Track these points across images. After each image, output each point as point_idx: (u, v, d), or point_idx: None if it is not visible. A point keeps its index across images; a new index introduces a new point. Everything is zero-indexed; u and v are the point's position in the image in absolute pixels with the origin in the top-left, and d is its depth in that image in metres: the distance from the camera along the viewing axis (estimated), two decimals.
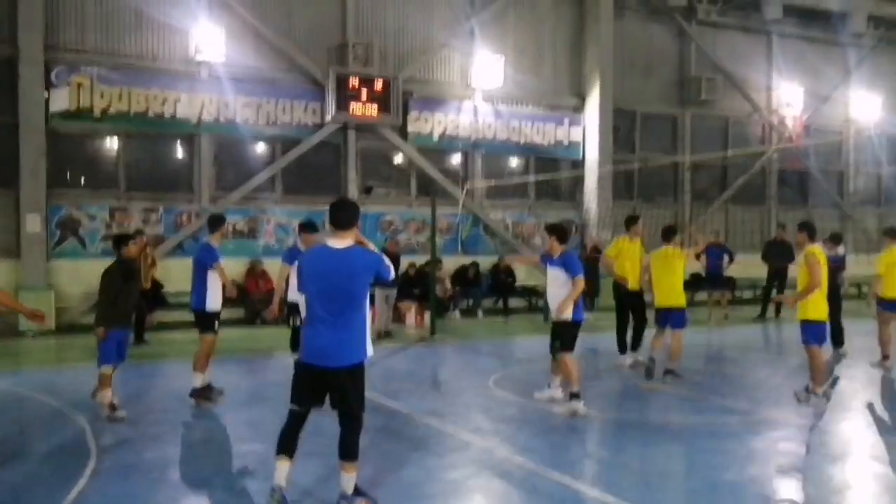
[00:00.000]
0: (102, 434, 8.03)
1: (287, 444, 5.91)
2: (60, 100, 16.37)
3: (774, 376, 11.90)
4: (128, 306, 8.99)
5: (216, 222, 10.06)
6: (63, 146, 16.82)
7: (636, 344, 12.30)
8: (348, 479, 5.93)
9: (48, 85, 16.21)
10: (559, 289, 9.50)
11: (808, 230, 9.94)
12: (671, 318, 11.21)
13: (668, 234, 11.59)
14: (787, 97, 24.77)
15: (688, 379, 11.08)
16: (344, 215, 5.90)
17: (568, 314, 9.26)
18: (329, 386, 5.87)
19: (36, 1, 15.85)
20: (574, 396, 9.13)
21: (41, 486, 6.50)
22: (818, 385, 9.68)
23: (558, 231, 9.80)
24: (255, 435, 8.06)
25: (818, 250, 9.77)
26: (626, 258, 12.17)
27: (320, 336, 5.78)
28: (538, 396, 9.82)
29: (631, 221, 12.59)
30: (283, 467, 5.86)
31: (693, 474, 7.01)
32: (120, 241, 9.37)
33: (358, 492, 5.96)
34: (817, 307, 9.64)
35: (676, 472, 7.14)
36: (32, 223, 15.95)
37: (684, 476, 6.95)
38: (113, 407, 8.64)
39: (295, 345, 10.45)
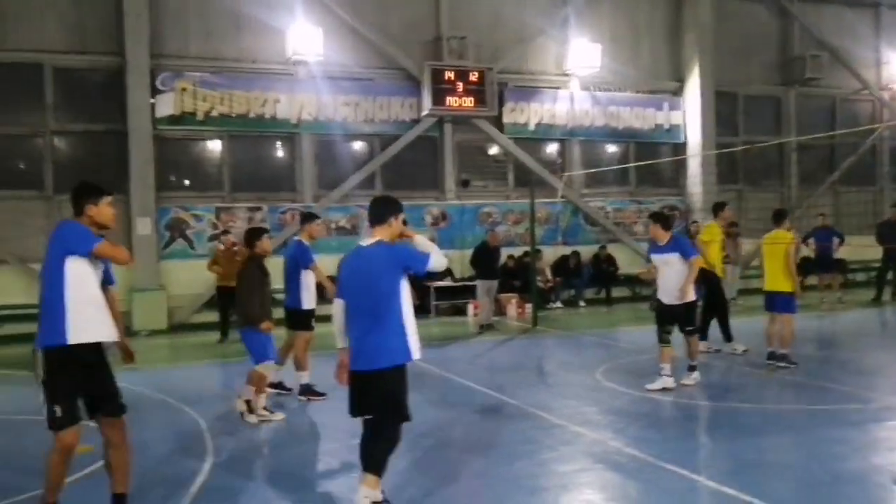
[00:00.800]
0: (218, 431, 8.20)
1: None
2: (166, 106, 16.93)
3: (894, 362, 11.40)
4: (267, 302, 8.60)
5: (306, 219, 9.99)
6: (169, 150, 17.40)
7: (706, 331, 12.07)
8: (366, 496, 5.39)
9: (154, 92, 16.76)
10: (675, 273, 9.64)
11: None
12: (777, 302, 10.89)
13: (779, 218, 11.26)
14: None
15: (802, 365, 10.72)
16: (374, 211, 5.74)
17: (691, 295, 9.65)
18: (370, 390, 5.49)
19: (142, 12, 16.41)
20: (692, 368, 9.90)
21: (164, 480, 6.67)
22: None
23: (662, 218, 9.95)
24: None
25: None
26: (717, 244, 11.94)
27: (356, 340, 5.51)
28: (650, 388, 9.65)
29: (719, 207, 12.49)
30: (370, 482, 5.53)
31: (813, 464, 6.72)
32: (254, 235, 8.86)
33: None
34: None
35: (796, 461, 6.86)
36: (143, 226, 16.52)
37: (804, 466, 6.67)
38: (266, 409, 8.52)
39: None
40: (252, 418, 8.39)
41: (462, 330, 16.00)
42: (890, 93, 23.94)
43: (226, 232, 16.14)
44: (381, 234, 5.64)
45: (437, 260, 5.58)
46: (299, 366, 9.63)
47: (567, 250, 19.96)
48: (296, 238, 10.00)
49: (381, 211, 5.71)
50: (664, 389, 9.54)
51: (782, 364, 10.71)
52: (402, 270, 5.52)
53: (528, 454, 7.14)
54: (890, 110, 23.93)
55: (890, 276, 18.60)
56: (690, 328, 9.91)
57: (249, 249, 8.72)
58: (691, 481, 6.25)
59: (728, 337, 12.08)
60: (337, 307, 5.71)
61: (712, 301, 12.16)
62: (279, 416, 8.52)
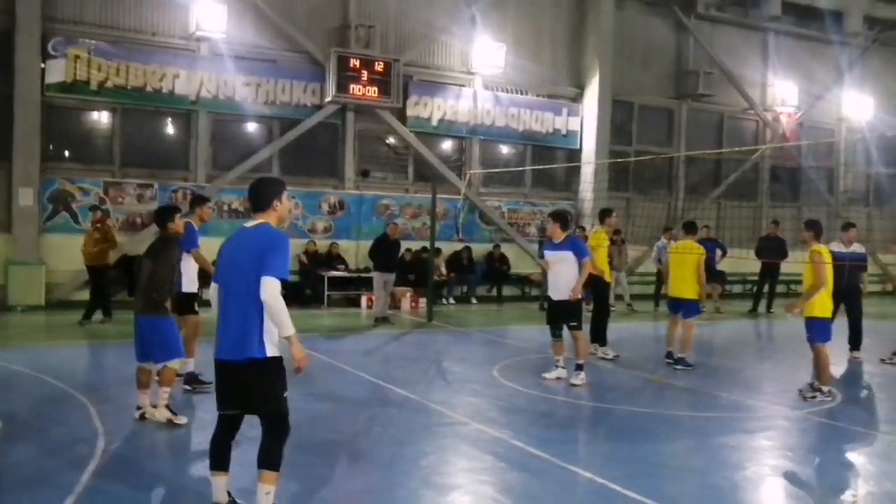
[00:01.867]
0: (106, 414, 7.88)
1: (218, 458, 5.22)
2: (56, 72, 16.17)
3: (774, 371, 12.00)
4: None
5: (197, 202, 9.54)
6: (58, 119, 16.66)
7: (604, 338, 12.39)
8: (265, 493, 5.02)
9: (45, 56, 15.98)
10: (565, 271, 10.11)
11: (815, 229, 10.02)
12: (684, 307, 11.51)
13: (691, 228, 12.03)
14: (782, 94, 24.90)
15: (689, 373, 11.15)
16: (254, 196, 5.24)
17: (579, 294, 10.16)
18: (238, 384, 5.06)
19: None
20: (580, 368, 10.18)
21: (56, 465, 6.40)
22: (824, 382, 9.72)
23: (562, 218, 10.46)
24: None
25: (823, 249, 9.78)
26: (603, 249, 12.29)
27: (222, 325, 5.07)
28: (546, 376, 10.39)
29: (606, 214, 12.73)
30: (218, 483, 5.22)
31: (713, 469, 6.94)
32: (167, 213, 8.12)
33: None
34: (823, 305, 9.67)
35: (696, 466, 7.05)
36: (25, 197, 15.77)
37: (705, 471, 6.89)
38: (174, 413, 7.69)
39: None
40: (159, 414, 7.62)
41: (355, 322, 15.89)
42: (773, 114, 25.04)
43: (95, 207, 15.51)
44: (265, 218, 5.18)
45: (276, 301, 4.85)
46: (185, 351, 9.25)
47: (460, 246, 20.06)
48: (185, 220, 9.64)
49: (262, 194, 5.22)
50: (558, 379, 10.27)
51: (679, 366, 11.31)
52: (265, 259, 4.91)
53: (434, 451, 7.15)
54: (772, 130, 25.03)
55: (766, 289, 19.43)
56: (574, 324, 10.20)
57: (161, 229, 8.07)
58: (596, 484, 6.34)
59: (603, 341, 12.40)
60: (213, 291, 5.26)
61: (597, 305, 12.50)
62: (183, 419, 7.70)
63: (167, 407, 7.63)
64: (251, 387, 5.01)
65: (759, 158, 24.67)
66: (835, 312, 10.20)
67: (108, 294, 14.48)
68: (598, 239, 12.39)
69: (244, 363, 4.95)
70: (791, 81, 24.95)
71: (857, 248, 12.65)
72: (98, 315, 14.23)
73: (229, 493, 5.29)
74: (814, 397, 9.65)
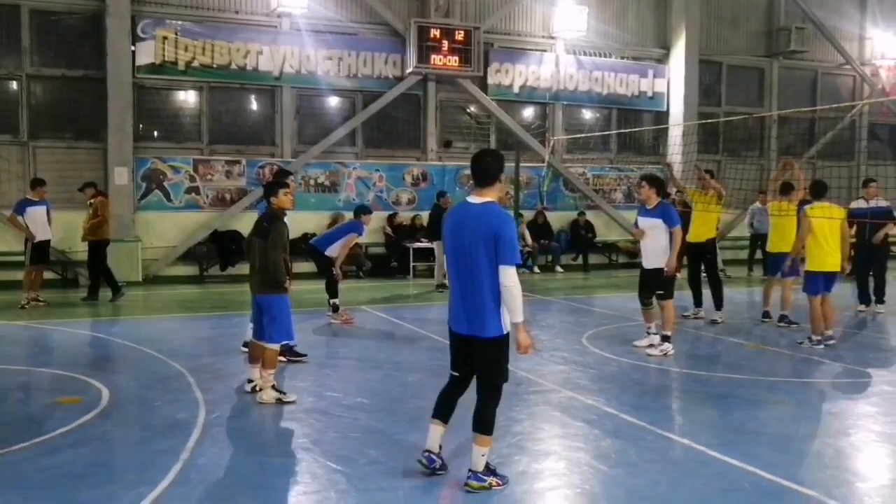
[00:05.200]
0: (206, 385, 8.07)
1: (442, 408, 5.62)
2: (146, 54, 16.53)
3: (876, 335, 11.54)
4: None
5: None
6: (148, 100, 17.03)
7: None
8: (480, 455, 5.38)
9: (134, 39, 16.32)
10: (655, 239, 9.80)
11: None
12: (780, 263, 11.57)
13: (787, 190, 12.04)
14: (882, 47, 23.82)
15: (786, 337, 10.96)
16: (480, 169, 5.24)
17: (674, 267, 9.75)
18: (468, 353, 5.44)
19: None
20: (666, 339, 9.79)
21: (161, 430, 6.60)
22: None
23: (657, 182, 10.01)
24: (360, 390, 8.03)
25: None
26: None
27: (454, 301, 5.37)
28: (637, 344, 10.18)
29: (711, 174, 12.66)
30: (435, 431, 5.59)
31: (815, 436, 6.72)
32: (270, 188, 7.80)
33: (489, 469, 5.46)
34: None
35: (797, 433, 6.81)
36: (120, 176, 16.19)
37: (806, 438, 6.66)
38: (281, 392, 7.62)
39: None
40: (266, 396, 7.49)
41: (441, 292, 15.88)
42: (871, 68, 23.98)
43: (88, 185, 14.54)
44: (489, 194, 5.22)
45: (514, 288, 5.09)
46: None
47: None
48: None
49: (487, 169, 5.22)
50: (650, 346, 9.94)
51: (783, 324, 11.65)
52: (495, 241, 5.05)
53: (526, 418, 7.09)
54: (871, 86, 23.98)
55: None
56: (662, 293, 9.84)
57: (268, 204, 7.72)
58: (694, 450, 6.20)
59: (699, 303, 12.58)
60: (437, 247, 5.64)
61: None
62: (292, 396, 7.59)
63: (273, 387, 7.55)
64: (487, 359, 5.36)
65: (857, 115, 23.68)
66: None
67: (108, 271, 14.13)
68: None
69: (486, 340, 5.27)
70: (892, 32, 23.79)
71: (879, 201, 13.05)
72: (191, 288, 14.52)
73: (440, 448, 5.60)
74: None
